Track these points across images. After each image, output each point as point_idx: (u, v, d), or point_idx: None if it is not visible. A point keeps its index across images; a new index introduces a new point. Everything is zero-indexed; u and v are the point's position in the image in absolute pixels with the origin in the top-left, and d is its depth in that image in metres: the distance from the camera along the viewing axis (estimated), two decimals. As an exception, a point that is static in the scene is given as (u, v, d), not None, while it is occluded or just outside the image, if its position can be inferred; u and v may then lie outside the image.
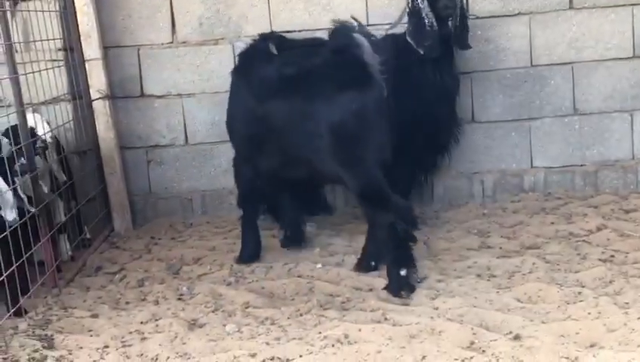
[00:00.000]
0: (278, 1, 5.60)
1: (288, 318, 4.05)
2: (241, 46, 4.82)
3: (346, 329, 3.81)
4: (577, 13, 5.56)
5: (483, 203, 5.64)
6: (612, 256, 4.51)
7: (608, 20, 5.56)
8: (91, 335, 4.01)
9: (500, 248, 4.80)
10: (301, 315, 4.07)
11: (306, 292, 4.38)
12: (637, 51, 5.58)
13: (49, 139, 4.86)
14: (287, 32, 5.47)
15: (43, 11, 5.28)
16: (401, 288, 4.22)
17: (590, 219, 5.08)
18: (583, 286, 4.14)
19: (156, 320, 4.14)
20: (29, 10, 5.37)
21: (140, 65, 5.71)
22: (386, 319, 3.95)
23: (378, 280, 4.44)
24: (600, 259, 4.48)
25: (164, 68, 5.70)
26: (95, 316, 4.25)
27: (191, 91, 5.72)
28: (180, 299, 4.42)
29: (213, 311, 4.20)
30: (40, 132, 4.76)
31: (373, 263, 4.58)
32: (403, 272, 4.24)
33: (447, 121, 5.07)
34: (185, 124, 5.77)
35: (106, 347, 3.86)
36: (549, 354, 3.44)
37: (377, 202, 4.24)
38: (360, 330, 3.80)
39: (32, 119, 4.75)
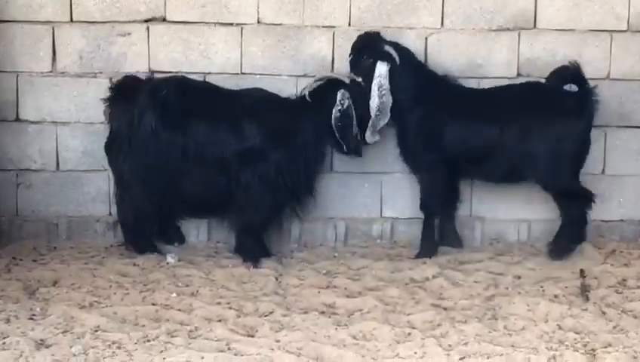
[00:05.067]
0: (157, 42, 5.84)
1: (135, 343, 4.23)
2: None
3: (190, 357, 4.05)
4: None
5: (335, 246, 5.93)
6: (443, 301, 4.91)
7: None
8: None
9: (345, 288, 5.11)
10: (148, 341, 4.26)
11: (157, 320, 4.58)
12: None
13: None
14: (164, 72, 5.78)
15: None
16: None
17: (428, 267, 5.42)
18: (413, 328, 4.49)
19: (4, 338, 4.22)
20: None
21: (17, 91, 5.84)
22: (229, 349, 4.20)
23: (229, 311, 4.69)
24: (432, 304, 4.84)
25: (41, 95, 5.84)
26: (-57, 332, 4.28)
27: (66, 120, 5.87)
28: (31, 318, 4.53)
29: (62, 333, 4.32)
30: None
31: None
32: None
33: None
34: (57, 151, 5.90)
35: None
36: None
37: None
38: (203, 358, 4.04)
39: None
